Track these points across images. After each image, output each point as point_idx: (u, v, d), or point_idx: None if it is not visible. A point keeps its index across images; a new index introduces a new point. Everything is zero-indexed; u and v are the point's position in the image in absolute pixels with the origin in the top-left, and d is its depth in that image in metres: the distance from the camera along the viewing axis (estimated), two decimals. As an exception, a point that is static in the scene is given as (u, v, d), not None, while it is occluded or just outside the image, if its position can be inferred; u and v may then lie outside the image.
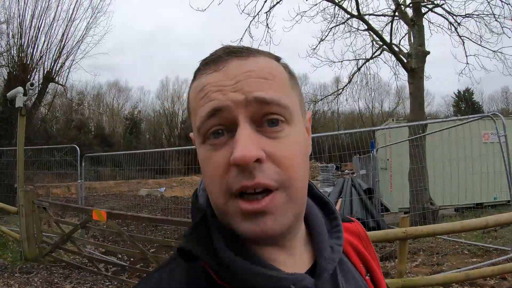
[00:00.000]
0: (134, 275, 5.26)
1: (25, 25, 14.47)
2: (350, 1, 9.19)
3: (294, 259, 0.61)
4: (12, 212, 7.18)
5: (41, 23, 14.76)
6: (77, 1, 15.05)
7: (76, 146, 8.85)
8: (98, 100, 47.69)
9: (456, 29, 9.48)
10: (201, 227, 0.59)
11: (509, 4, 8.11)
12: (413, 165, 8.18)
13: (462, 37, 9.50)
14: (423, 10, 8.97)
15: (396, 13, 8.79)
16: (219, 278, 0.56)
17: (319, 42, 10.52)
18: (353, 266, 0.71)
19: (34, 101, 13.14)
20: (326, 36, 10.45)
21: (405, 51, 9.42)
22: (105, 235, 7.37)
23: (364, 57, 11.09)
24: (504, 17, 8.32)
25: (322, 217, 0.68)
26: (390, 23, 8.93)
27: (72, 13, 15.00)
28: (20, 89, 6.51)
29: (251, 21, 9.30)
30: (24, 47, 14.32)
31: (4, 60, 14.18)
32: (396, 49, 9.37)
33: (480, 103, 49.25)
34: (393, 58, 10.16)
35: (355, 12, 8.68)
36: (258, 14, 9.18)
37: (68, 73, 15.00)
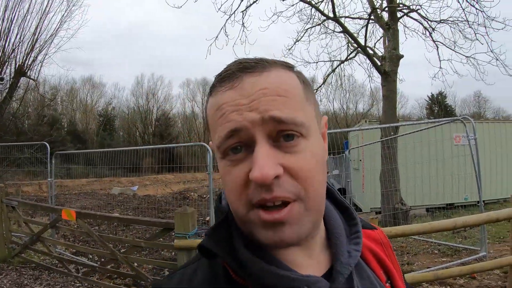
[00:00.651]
0: (105, 276, 5.14)
1: (-3, 17, 13.90)
2: (327, 3, 9.30)
3: (312, 262, 0.63)
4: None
5: (14, 15, 14.22)
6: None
7: (46, 143, 8.57)
8: (72, 96, 46.38)
9: (430, 34, 9.70)
10: (222, 227, 0.62)
11: (483, 11, 8.33)
12: (384, 166, 8.31)
13: (436, 42, 9.73)
14: (399, 14, 9.13)
15: (372, 17, 8.90)
16: (237, 275, 0.60)
17: (295, 43, 10.62)
18: (372, 272, 0.72)
19: (5, 95, 12.65)
20: (302, 37, 10.55)
21: (380, 54, 9.57)
22: (75, 235, 7.17)
23: (339, 59, 11.21)
24: (478, 24, 8.55)
25: (342, 222, 0.71)
26: (365, 26, 9.03)
27: (46, 6, 14.47)
28: (-11, 83, 6.27)
29: (227, 20, 9.25)
30: (-4, 39, 13.76)
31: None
32: (371, 52, 9.52)
33: (453, 106, 50.41)
34: (368, 60, 10.32)
35: (331, 14, 8.75)
36: (234, 12, 9.13)
37: (41, 67, 14.49)
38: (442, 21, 9.16)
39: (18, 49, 14.15)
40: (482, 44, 8.64)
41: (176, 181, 22.78)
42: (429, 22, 9.50)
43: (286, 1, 9.34)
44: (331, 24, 10.59)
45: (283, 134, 0.56)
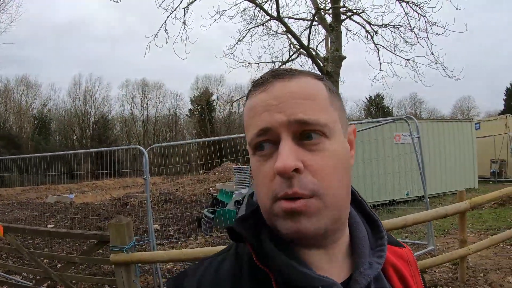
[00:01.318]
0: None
1: None
2: (270, 4, 9.23)
3: (333, 267, 0.65)
4: None
5: None
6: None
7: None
8: (5, 97, 43.16)
9: (372, 37, 9.95)
10: (251, 218, 0.68)
11: (425, 16, 8.68)
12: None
13: (377, 45, 10.01)
14: (342, 17, 9.28)
15: (316, 18, 8.96)
16: (260, 261, 0.63)
17: (237, 42, 10.42)
18: (392, 287, 0.72)
19: None
20: (244, 37, 10.39)
21: (322, 55, 9.68)
22: (4, 251, 6.44)
23: (281, 60, 11.21)
24: (419, 29, 8.89)
25: (369, 234, 0.72)
26: (309, 28, 9.06)
27: None
28: None
29: (168, 16, 8.86)
30: None
31: None
32: (313, 53, 9.58)
33: (390, 107, 53.13)
34: (309, 62, 10.38)
35: (275, 14, 8.69)
36: (176, 9, 8.77)
37: None
38: (384, 25, 9.43)
39: None
40: (424, 47, 8.99)
41: (116, 187, 21.80)
42: (371, 25, 9.75)
43: (230, 0, 9.11)
44: (274, 25, 10.57)
45: (306, 134, 0.61)
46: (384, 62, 10.17)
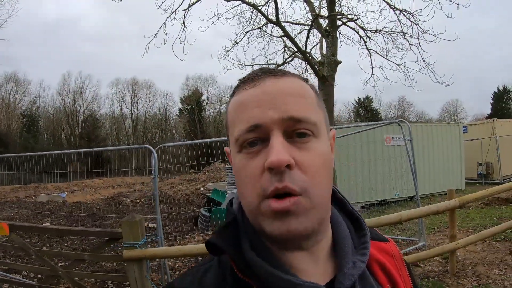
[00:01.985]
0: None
1: None
2: (267, 7, 9.42)
3: (316, 268, 0.65)
4: None
5: None
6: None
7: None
8: (-7, 94, 42.53)
9: (365, 42, 10.24)
10: (231, 227, 0.66)
11: (417, 24, 8.98)
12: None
13: (370, 50, 10.30)
14: (338, 23, 9.54)
15: (314, 22, 9.20)
16: (243, 274, 0.62)
17: (234, 45, 10.51)
18: (378, 284, 0.72)
19: None
20: (241, 39, 10.55)
21: (316, 59, 9.91)
22: (6, 250, 6.50)
23: (275, 62, 11.41)
24: (411, 36, 9.19)
25: (351, 232, 0.72)
26: (307, 32, 9.29)
27: None
28: None
29: (167, 17, 8.97)
30: None
31: None
32: (310, 57, 9.82)
33: (379, 110, 53.73)
34: (303, 65, 10.62)
35: (274, 19, 8.89)
36: (176, 10, 8.90)
37: None
38: (377, 31, 9.71)
39: None
40: (416, 54, 9.29)
41: (105, 186, 21.80)
42: (365, 31, 10.03)
43: (228, 3, 9.26)
44: (269, 28, 10.72)
45: (297, 132, 0.61)
46: (376, 67, 10.48)
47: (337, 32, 9.59)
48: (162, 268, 5.16)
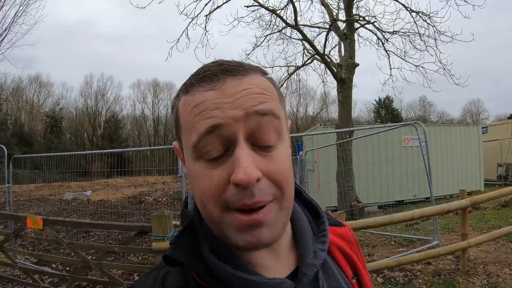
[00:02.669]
0: (73, 285, 5.05)
1: None
2: (285, 11, 9.68)
3: (278, 262, 0.64)
4: None
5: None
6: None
7: (3, 146, 8.07)
8: (18, 95, 43.87)
9: (383, 44, 10.36)
10: (187, 234, 0.63)
11: (433, 26, 9.08)
12: (340, 167, 8.82)
13: (388, 52, 10.42)
14: (356, 25, 9.69)
15: (331, 27, 9.38)
16: (203, 281, 0.60)
17: (254, 48, 10.84)
18: (339, 269, 0.74)
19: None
20: (262, 43, 10.82)
21: (335, 61, 10.09)
22: (35, 243, 6.90)
23: (294, 64, 11.61)
24: (428, 36, 9.28)
25: (310, 221, 0.72)
26: (325, 35, 9.51)
27: None
28: None
29: (189, 23, 9.30)
30: None
31: None
32: (328, 59, 10.01)
33: (399, 110, 52.87)
34: (322, 66, 10.80)
35: (293, 23, 9.12)
36: (197, 16, 9.23)
37: None
38: (395, 32, 9.83)
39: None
40: (432, 55, 9.40)
41: (127, 185, 22.36)
42: (382, 33, 10.15)
43: (248, 8, 9.52)
44: (288, 31, 10.95)
45: (260, 145, 0.57)
46: (394, 68, 10.60)
47: (356, 34, 9.75)
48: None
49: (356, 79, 9.79)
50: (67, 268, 5.63)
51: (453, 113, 58.76)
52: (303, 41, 10.29)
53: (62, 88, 51.64)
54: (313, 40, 10.78)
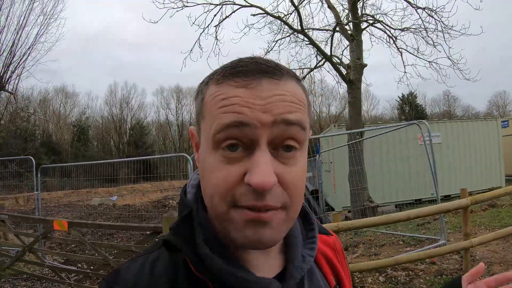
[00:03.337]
0: (96, 282, 5.44)
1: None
2: (295, 15, 9.86)
3: (267, 263, 0.65)
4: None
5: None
6: (28, 7, 14.33)
7: (31, 157, 8.71)
8: (45, 106, 45.51)
9: (394, 41, 10.39)
10: (186, 222, 0.64)
11: (441, 21, 9.04)
12: (352, 167, 8.90)
13: (400, 49, 10.43)
14: (364, 25, 9.78)
15: (337, 29, 9.52)
16: (196, 269, 0.61)
17: (266, 53, 10.97)
18: (323, 276, 0.75)
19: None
20: (273, 48, 11.01)
21: (347, 62, 10.18)
22: (62, 244, 7.34)
23: (308, 67, 11.75)
24: (438, 30, 9.22)
25: (300, 226, 0.73)
26: (330, 38, 9.63)
27: (23, 19, 14.23)
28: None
29: (201, 33, 9.61)
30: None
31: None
32: (338, 60, 10.13)
33: (423, 106, 51.65)
34: (335, 68, 10.90)
35: (299, 28, 9.31)
36: (207, 26, 9.55)
37: (18, 81, 14.15)
38: (405, 29, 9.84)
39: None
40: (440, 52, 9.37)
41: (153, 190, 22.98)
42: (392, 30, 10.18)
43: (257, 15, 9.78)
44: (300, 34, 11.16)
45: (283, 145, 0.57)
46: (408, 65, 10.54)
47: (366, 33, 9.81)
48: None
49: (376, 76, 9.90)
50: (91, 267, 6.03)
51: (479, 107, 57.06)
52: (311, 45, 10.45)
53: (88, 97, 53.50)
54: (325, 42, 10.94)
